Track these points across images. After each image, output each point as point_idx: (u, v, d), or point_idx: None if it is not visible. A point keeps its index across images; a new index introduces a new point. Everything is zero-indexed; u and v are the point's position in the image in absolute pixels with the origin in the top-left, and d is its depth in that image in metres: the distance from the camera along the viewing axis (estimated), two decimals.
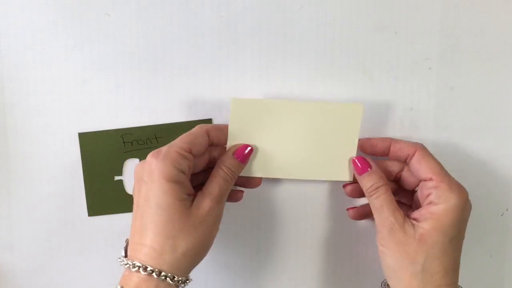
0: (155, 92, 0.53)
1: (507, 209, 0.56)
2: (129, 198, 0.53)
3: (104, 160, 0.53)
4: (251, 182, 0.51)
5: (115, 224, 0.54)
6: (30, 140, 0.53)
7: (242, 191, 0.52)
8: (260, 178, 0.51)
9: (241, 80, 0.53)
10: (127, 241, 0.46)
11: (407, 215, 0.47)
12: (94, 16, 0.51)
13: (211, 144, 0.49)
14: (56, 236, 0.54)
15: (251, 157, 0.50)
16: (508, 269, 0.56)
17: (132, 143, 0.53)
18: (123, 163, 0.53)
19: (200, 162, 0.49)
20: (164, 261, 0.43)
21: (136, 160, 0.53)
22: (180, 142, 0.46)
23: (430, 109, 0.54)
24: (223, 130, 0.49)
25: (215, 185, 0.46)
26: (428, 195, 0.47)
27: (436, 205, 0.46)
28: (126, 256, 0.45)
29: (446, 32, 0.52)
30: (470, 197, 0.53)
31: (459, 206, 0.46)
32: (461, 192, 0.46)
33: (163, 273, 0.42)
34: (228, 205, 0.54)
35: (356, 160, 0.49)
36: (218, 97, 0.53)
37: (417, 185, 0.49)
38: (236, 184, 0.51)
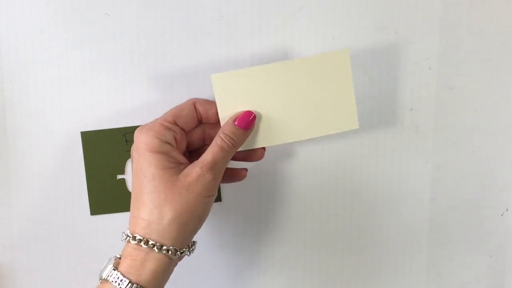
0: (156, 91, 0.53)
1: (507, 209, 0.56)
2: None
3: (106, 158, 0.53)
4: (253, 155, 0.50)
5: (118, 223, 0.54)
6: (30, 140, 0.53)
7: (246, 170, 0.51)
8: (263, 150, 0.50)
9: None
10: None
11: None
12: (94, 16, 0.51)
13: (201, 119, 0.48)
14: (57, 236, 0.54)
15: (254, 125, 0.48)
16: (508, 269, 0.56)
17: None
18: (125, 162, 0.53)
19: (194, 139, 0.49)
20: (151, 230, 0.43)
21: None
22: (164, 115, 0.46)
23: (430, 109, 0.54)
24: (212, 103, 0.48)
25: (209, 152, 0.45)
26: None
27: None
28: None
29: (446, 32, 0.52)
30: (470, 197, 0.53)
31: None
32: None
33: (150, 242, 0.43)
34: (228, 205, 0.54)
35: None
36: None
37: None
38: (238, 159, 0.49)
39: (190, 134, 0.48)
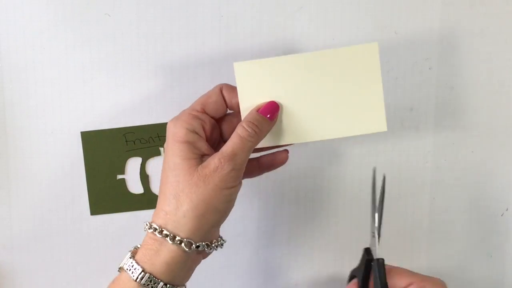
0: (156, 91, 0.53)
1: (507, 209, 0.56)
2: (132, 197, 0.54)
3: (107, 158, 0.53)
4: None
5: (118, 223, 0.54)
6: (30, 140, 0.53)
7: (287, 151, 0.48)
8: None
9: None
10: None
11: None
12: (94, 16, 0.51)
13: (228, 106, 0.47)
14: (57, 236, 0.54)
15: (277, 116, 0.46)
16: (508, 269, 0.56)
17: (134, 142, 0.53)
18: (125, 162, 0.53)
19: (230, 127, 0.46)
20: (167, 220, 0.42)
21: (139, 159, 0.53)
22: (193, 104, 0.46)
23: (430, 109, 0.54)
24: (236, 91, 0.46)
25: (229, 143, 0.43)
26: None
27: None
28: None
29: (446, 32, 0.52)
30: (470, 197, 0.53)
31: None
32: (441, 283, 0.46)
33: (164, 232, 0.42)
34: None
35: None
36: None
37: None
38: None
39: (225, 123, 0.47)
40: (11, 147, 0.53)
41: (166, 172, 0.44)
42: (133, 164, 0.53)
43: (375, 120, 0.46)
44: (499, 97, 0.54)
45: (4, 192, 0.54)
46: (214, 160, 0.43)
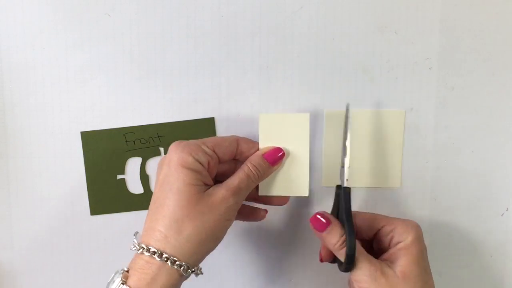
0: (156, 91, 0.53)
1: (507, 209, 0.56)
2: (132, 197, 0.54)
3: (107, 159, 0.53)
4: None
5: (118, 223, 0.54)
6: (30, 140, 0.53)
7: (266, 211, 0.51)
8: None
9: (241, 80, 0.53)
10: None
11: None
12: (94, 16, 0.51)
13: (239, 156, 0.49)
14: (57, 236, 0.54)
15: (282, 162, 0.49)
16: (508, 269, 0.56)
17: (134, 142, 0.53)
18: (125, 162, 0.53)
19: (227, 170, 0.49)
20: (167, 243, 0.43)
21: (139, 159, 0.53)
22: (206, 139, 0.47)
23: (430, 109, 0.54)
24: (254, 144, 0.49)
25: (235, 177, 0.46)
26: (391, 238, 0.47)
27: (402, 241, 0.47)
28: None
29: (446, 32, 0.52)
30: (470, 197, 0.53)
31: (419, 235, 0.47)
32: (414, 223, 0.48)
33: (164, 255, 0.42)
34: None
35: (316, 217, 0.47)
36: (218, 97, 0.53)
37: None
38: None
39: (224, 165, 0.48)
40: (11, 147, 0.53)
41: (166, 194, 0.44)
42: (133, 164, 0.53)
43: (390, 177, 0.50)
44: (499, 97, 0.54)
45: (4, 192, 0.54)
46: (221, 191, 0.45)
